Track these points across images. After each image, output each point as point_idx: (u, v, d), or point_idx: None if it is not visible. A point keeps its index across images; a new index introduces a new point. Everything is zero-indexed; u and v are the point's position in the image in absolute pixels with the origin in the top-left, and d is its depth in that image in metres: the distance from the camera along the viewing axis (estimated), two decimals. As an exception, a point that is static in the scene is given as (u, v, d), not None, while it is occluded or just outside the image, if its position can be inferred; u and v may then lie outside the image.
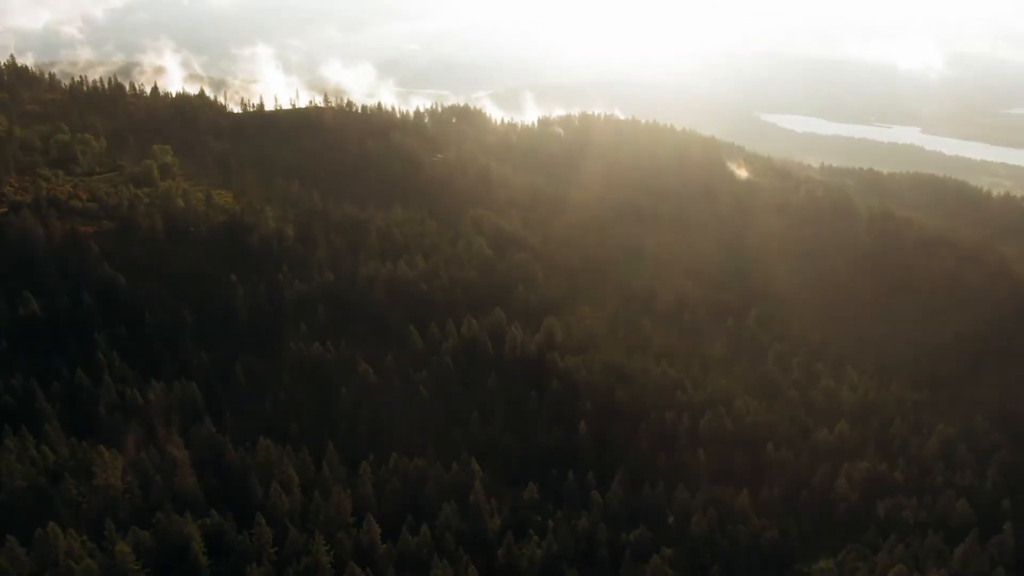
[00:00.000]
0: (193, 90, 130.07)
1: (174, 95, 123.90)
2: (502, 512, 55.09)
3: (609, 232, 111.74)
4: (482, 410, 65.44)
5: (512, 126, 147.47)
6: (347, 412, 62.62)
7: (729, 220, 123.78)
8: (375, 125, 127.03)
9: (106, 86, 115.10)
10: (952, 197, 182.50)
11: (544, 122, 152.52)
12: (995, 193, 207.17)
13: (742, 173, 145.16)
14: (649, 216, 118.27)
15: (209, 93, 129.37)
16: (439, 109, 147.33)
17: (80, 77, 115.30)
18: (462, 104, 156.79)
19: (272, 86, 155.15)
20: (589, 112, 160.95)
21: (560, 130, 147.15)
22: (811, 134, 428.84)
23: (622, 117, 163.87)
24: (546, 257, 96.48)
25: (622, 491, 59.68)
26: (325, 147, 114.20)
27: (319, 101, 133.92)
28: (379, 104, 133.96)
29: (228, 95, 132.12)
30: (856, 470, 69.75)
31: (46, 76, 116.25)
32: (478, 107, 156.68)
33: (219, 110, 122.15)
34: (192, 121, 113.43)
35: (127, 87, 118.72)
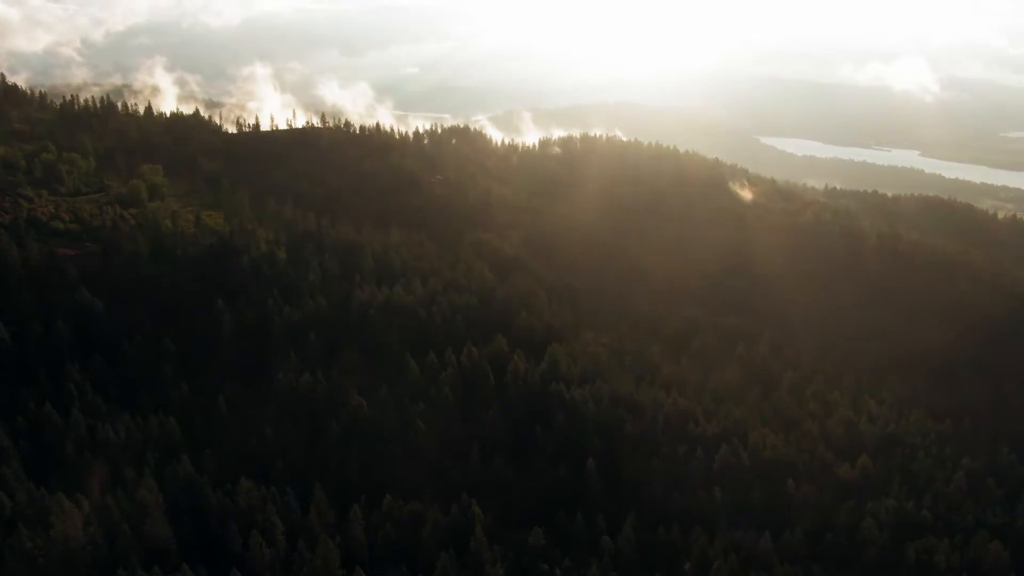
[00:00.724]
0: (189, 110, 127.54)
1: (168, 115, 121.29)
2: (506, 560, 50.61)
3: (613, 255, 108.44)
4: (483, 446, 61.17)
5: (513, 147, 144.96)
6: (337, 448, 58.32)
7: (736, 243, 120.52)
8: (373, 146, 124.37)
9: (98, 105, 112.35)
10: (959, 220, 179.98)
11: (545, 143, 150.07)
12: (1000, 216, 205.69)
13: (747, 195, 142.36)
14: (654, 239, 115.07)
15: (205, 113, 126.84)
16: (438, 130, 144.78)
17: (71, 96, 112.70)
18: (462, 126, 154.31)
19: (269, 106, 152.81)
20: (590, 133, 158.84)
21: (562, 151, 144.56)
22: (810, 157, 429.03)
23: (624, 139, 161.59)
24: (549, 281, 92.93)
25: (634, 534, 55.26)
26: (321, 168, 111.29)
27: (316, 122, 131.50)
28: (377, 124, 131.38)
29: (224, 115, 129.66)
30: (882, 508, 65.43)
31: (37, 95, 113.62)
32: (478, 128, 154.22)
33: (213, 130, 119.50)
34: (185, 141, 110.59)
35: (120, 107, 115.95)
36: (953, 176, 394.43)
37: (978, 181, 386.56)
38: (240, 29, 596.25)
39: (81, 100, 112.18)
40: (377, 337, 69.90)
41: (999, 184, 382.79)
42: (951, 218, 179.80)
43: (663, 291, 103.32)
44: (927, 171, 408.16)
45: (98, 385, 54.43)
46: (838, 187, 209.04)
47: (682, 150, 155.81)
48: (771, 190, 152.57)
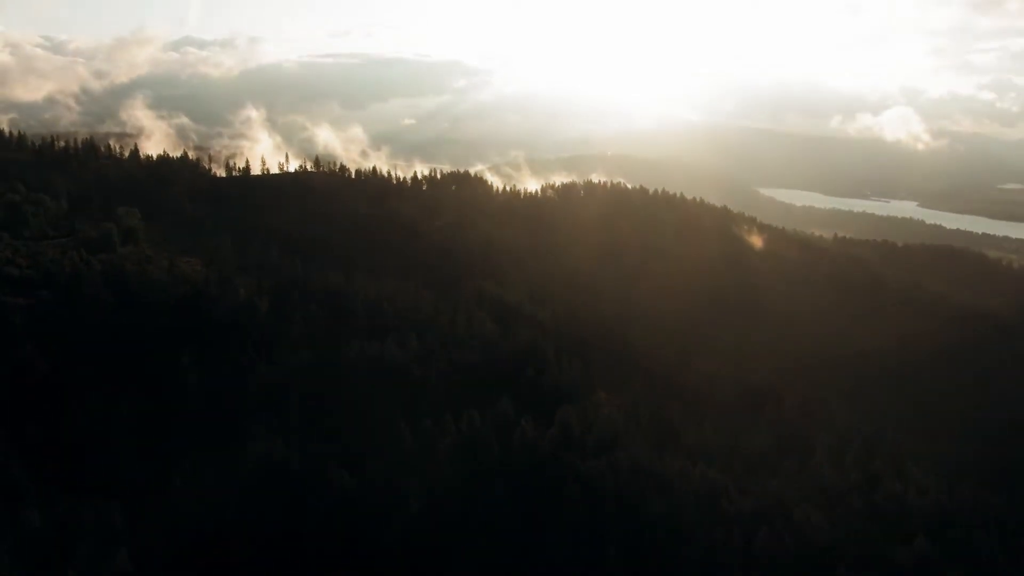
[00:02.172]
0: (177, 154, 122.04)
1: (154, 157, 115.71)
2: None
3: (624, 305, 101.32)
4: (487, 528, 52.32)
5: (515, 193, 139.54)
6: (316, 531, 49.46)
7: (752, 293, 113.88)
8: (368, 191, 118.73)
9: (79, 147, 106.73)
10: (973, 270, 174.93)
11: (548, 190, 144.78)
12: (1009, 266, 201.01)
13: (759, 243, 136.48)
14: (665, 288, 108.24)
15: (193, 156, 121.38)
16: (437, 176, 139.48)
17: (51, 137, 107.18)
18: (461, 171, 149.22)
19: (262, 150, 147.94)
20: (594, 181, 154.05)
21: (565, 197, 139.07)
22: (809, 208, 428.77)
23: (628, 186, 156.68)
24: (557, 334, 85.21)
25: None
26: (313, 213, 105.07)
27: (310, 167, 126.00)
28: (374, 168, 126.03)
29: (214, 159, 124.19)
30: (949, 600, 56.39)
31: (15, 135, 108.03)
32: (479, 175, 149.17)
33: (201, 173, 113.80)
34: (170, 184, 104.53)
35: (103, 149, 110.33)
36: (954, 227, 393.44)
37: (979, 232, 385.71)
38: (240, 80, 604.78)
39: (61, 142, 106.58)
40: (366, 398, 61.58)
41: (1000, 235, 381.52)
42: (965, 268, 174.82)
43: (679, 343, 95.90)
44: (927, 222, 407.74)
45: (30, 460, 45.91)
46: (846, 236, 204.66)
47: (690, 198, 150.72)
48: (782, 238, 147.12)
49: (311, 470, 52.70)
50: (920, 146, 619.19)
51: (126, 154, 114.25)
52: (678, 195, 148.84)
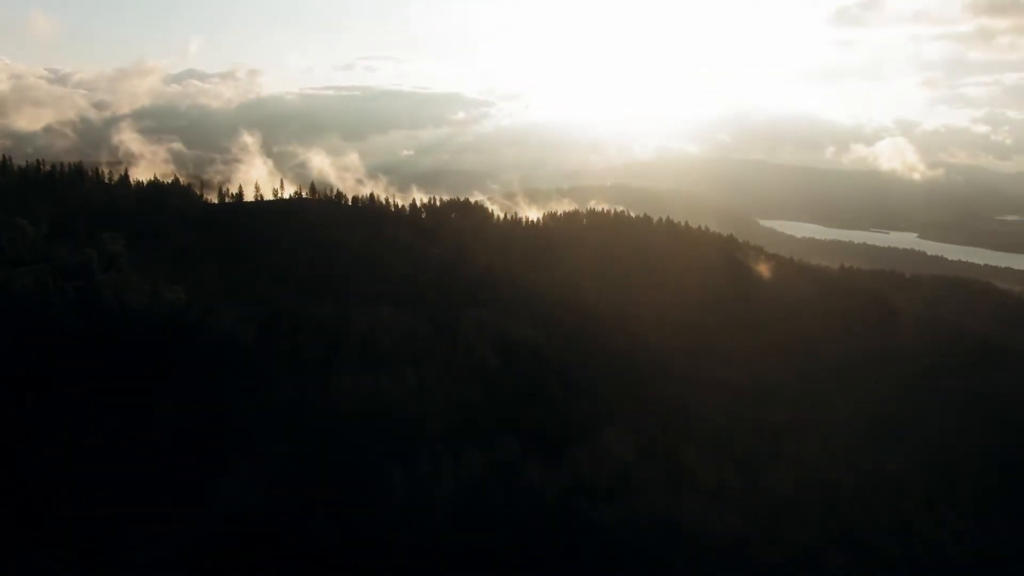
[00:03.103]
0: (168, 179, 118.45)
1: (144, 183, 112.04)
2: None
3: (631, 337, 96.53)
4: (490, 587, 46.80)
5: (516, 221, 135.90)
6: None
7: (764, 324, 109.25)
8: (365, 217, 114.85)
9: (66, 171, 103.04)
10: (983, 300, 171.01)
11: (550, 218, 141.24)
12: (1020, 297, 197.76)
13: (767, 273, 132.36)
14: (674, 318, 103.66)
15: (186, 182, 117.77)
16: (437, 203, 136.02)
17: (37, 161, 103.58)
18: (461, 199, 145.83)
19: (256, 176, 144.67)
20: (597, 209, 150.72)
21: (568, 225, 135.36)
22: (810, 239, 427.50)
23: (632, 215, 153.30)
24: (563, 367, 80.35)
25: None
26: (307, 239, 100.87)
27: (306, 194, 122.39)
28: (371, 195, 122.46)
29: (206, 184, 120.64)
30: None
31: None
32: (479, 202, 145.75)
33: (192, 199, 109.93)
34: (159, 209, 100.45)
35: (91, 173, 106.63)
36: (955, 258, 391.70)
37: (981, 263, 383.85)
38: (239, 111, 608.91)
39: (47, 165, 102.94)
40: (356, 437, 56.42)
41: (1003, 266, 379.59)
42: (977, 299, 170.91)
43: (688, 376, 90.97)
44: (929, 253, 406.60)
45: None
46: (853, 266, 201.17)
47: (695, 227, 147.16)
48: (790, 268, 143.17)
49: (291, 522, 47.38)
50: (917, 176, 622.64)
51: (115, 179, 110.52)
52: (683, 223, 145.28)
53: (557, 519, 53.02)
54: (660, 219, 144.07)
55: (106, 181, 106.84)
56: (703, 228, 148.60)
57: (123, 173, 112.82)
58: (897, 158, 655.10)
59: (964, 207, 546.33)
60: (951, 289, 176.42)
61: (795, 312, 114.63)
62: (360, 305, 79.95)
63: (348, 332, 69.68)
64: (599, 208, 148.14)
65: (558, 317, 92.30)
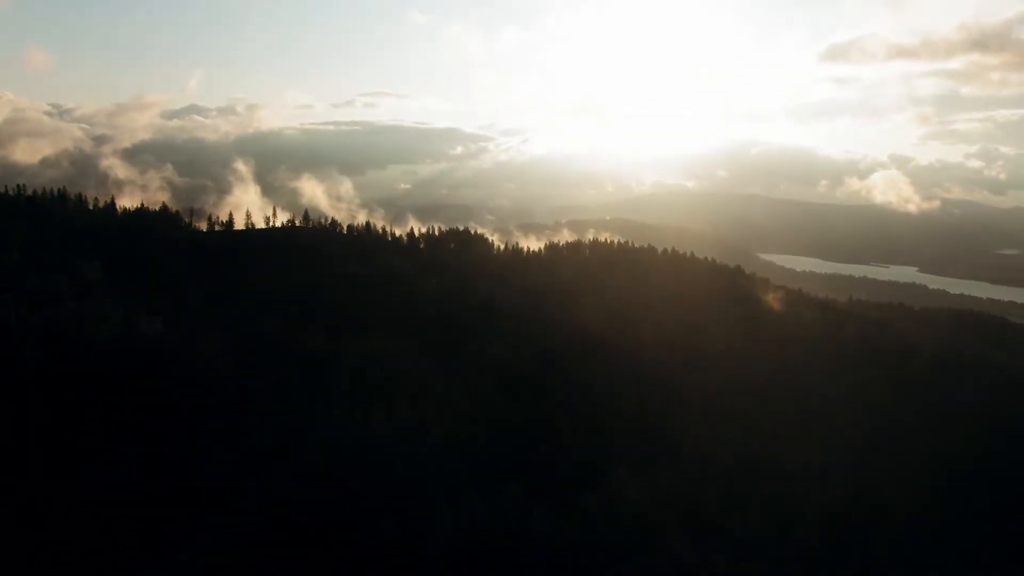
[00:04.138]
0: (156, 206, 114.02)
1: (131, 209, 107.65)
2: None
3: (638, 370, 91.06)
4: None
5: (517, 251, 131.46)
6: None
7: (778, 357, 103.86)
8: (361, 246, 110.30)
9: (46, 196, 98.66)
10: (999, 334, 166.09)
11: (553, 248, 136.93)
12: None
13: (778, 305, 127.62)
14: (687, 353, 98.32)
15: (175, 209, 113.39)
16: (435, 232, 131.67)
17: (18, 185, 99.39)
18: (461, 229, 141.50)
19: (248, 203, 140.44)
20: (600, 240, 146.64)
21: (571, 256, 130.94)
22: (810, 272, 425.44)
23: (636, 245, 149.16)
24: (570, 403, 74.80)
25: None
26: (298, 268, 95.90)
27: (299, 222, 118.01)
28: (367, 223, 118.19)
29: (196, 212, 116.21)
30: None
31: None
32: (479, 233, 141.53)
33: (180, 226, 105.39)
34: (144, 236, 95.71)
35: (74, 198, 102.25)
36: (958, 292, 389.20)
37: (984, 297, 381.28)
38: (236, 145, 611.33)
39: (28, 190, 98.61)
40: (344, 483, 50.52)
41: (1006, 300, 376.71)
42: (991, 332, 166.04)
43: (700, 413, 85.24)
44: (931, 287, 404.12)
45: None
46: (861, 299, 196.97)
47: (701, 258, 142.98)
48: (800, 301, 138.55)
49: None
50: (913, 209, 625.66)
51: (101, 206, 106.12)
52: (688, 254, 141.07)
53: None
54: (665, 249, 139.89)
55: (90, 208, 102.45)
56: (709, 259, 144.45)
57: (109, 200, 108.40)
58: (891, 191, 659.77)
59: (962, 241, 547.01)
60: (963, 322, 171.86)
61: (810, 346, 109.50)
62: (353, 337, 74.76)
63: (339, 365, 64.30)
64: (602, 238, 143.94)
65: (563, 350, 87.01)
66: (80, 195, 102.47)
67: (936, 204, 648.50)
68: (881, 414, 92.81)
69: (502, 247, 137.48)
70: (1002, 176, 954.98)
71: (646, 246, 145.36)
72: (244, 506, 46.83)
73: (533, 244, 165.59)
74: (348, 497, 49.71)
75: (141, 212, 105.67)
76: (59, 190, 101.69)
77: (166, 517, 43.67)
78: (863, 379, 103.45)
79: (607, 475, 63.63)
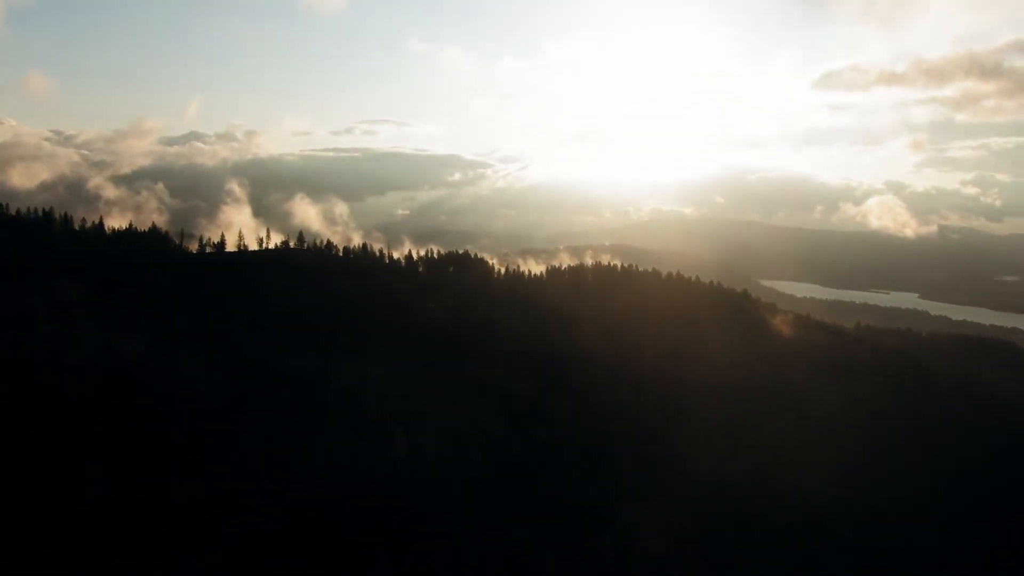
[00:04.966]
0: (146, 227, 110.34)
1: (120, 229, 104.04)
2: None
3: (646, 395, 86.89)
4: None
5: (519, 275, 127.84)
6: None
7: (788, 382, 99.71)
8: (357, 268, 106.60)
9: (30, 215, 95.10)
10: (1012, 360, 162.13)
11: (554, 272, 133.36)
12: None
13: (789, 330, 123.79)
14: (696, 380, 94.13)
15: (165, 230, 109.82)
16: (434, 255, 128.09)
17: (1, 204, 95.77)
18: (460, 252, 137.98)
19: (241, 225, 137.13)
20: (602, 263, 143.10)
21: (573, 279, 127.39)
22: (811, 299, 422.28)
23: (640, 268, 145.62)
24: (576, 433, 70.54)
25: None
26: (291, 290, 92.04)
27: (293, 244, 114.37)
28: (364, 245, 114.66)
29: (187, 233, 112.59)
30: None
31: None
32: (479, 255, 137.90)
33: (170, 247, 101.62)
34: (130, 256, 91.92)
35: (60, 217, 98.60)
36: (960, 318, 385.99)
37: (987, 323, 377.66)
38: (235, 171, 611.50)
39: (11, 210, 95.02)
40: (337, 519, 46.11)
41: (1009, 326, 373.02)
42: (1004, 359, 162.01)
43: (712, 441, 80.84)
44: (932, 313, 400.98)
45: None
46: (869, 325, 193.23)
47: (707, 281, 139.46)
48: (809, 326, 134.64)
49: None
50: (910, 234, 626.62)
51: (88, 226, 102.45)
52: (694, 279, 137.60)
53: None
54: (670, 273, 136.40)
55: (76, 228, 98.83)
56: (715, 283, 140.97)
57: (97, 221, 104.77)
58: (887, 216, 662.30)
59: (961, 268, 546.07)
60: (971, 348, 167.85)
61: (824, 371, 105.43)
62: (346, 360, 70.71)
63: (330, 391, 60.16)
64: (606, 262, 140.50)
65: (568, 377, 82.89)
66: (66, 215, 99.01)
67: (933, 230, 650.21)
68: (903, 445, 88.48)
69: (502, 270, 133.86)
70: (998, 203, 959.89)
71: (651, 269, 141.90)
72: (223, 544, 42.36)
73: (534, 268, 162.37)
74: (338, 534, 45.29)
75: (129, 233, 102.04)
76: (44, 210, 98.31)
77: (134, 557, 39.20)
78: (877, 406, 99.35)
79: (617, 511, 59.32)
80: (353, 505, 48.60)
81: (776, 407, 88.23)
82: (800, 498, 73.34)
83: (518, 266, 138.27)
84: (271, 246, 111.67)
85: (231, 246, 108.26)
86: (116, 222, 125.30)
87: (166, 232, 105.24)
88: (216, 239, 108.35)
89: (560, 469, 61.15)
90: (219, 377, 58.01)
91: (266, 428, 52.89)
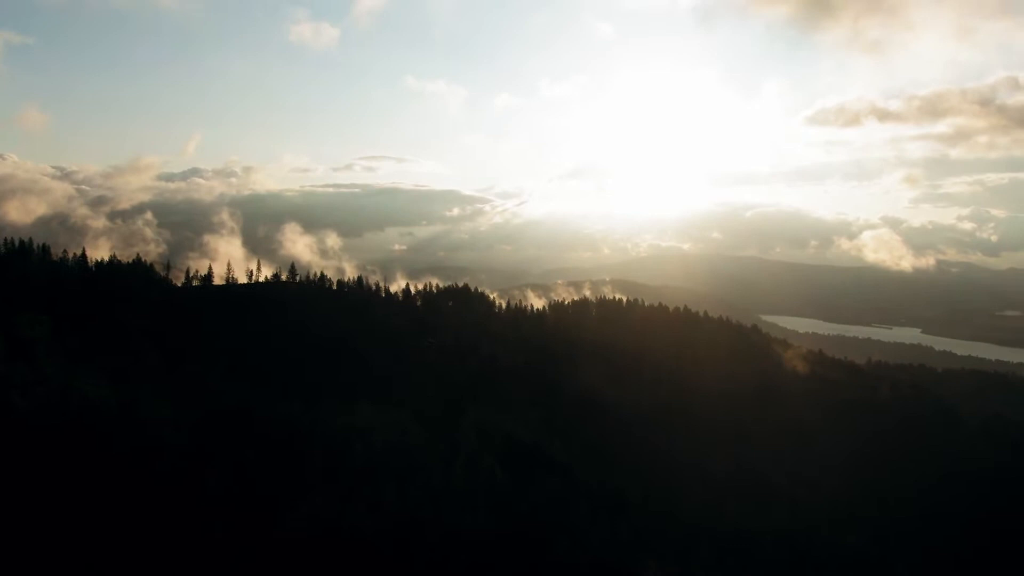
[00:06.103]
0: (130, 259, 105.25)
1: (100, 262, 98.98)
2: None
3: (664, 442, 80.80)
4: None
5: (521, 310, 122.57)
6: None
7: (812, 426, 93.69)
8: (351, 303, 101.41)
9: (12, 246, 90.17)
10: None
11: (557, 308, 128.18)
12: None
13: (803, 367, 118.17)
14: (707, 422, 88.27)
15: (149, 262, 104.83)
16: (432, 290, 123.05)
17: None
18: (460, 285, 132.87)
19: (231, 257, 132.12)
20: (607, 297, 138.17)
21: (577, 315, 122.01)
22: (813, 334, 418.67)
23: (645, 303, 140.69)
24: (586, 481, 64.31)
25: None
26: (278, 327, 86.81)
27: (284, 277, 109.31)
28: (359, 279, 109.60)
29: (173, 266, 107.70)
30: None
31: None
32: (480, 290, 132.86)
33: (154, 281, 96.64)
34: (109, 290, 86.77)
35: (37, 249, 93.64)
36: (964, 353, 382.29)
37: (992, 358, 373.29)
38: (232, 206, 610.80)
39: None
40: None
41: (1015, 361, 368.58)
42: (1013, 392, 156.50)
43: (736, 493, 74.57)
44: (936, 348, 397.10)
45: None
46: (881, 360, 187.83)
47: (716, 316, 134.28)
48: (822, 362, 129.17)
49: None
50: (908, 268, 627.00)
51: (69, 258, 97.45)
52: (702, 313, 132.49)
53: None
54: (677, 308, 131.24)
55: (54, 259, 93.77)
56: (724, 318, 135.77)
57: (80, 253, 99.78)
58: (883, 249, 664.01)
59: (962, 302, 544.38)
60: (989, 385, 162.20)
61: (841, 410, 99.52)
62: (334, 406, 64.77)
63: (313, 438, 54.12)
64: (609, 296, 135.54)
65: (576, 419, 76.91)
66: (44, 246, 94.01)
67: (931, 263, 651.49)
68: (926, 486, 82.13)
69: (504, 305, 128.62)
70: (994, 238, 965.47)
71: (658, 304, 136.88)
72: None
73: (536, 303, 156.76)
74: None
75: (111, 265, 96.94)
76: (21, 241, 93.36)
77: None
78: (905, 448, 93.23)
79: (634, 569, 52.76)
80: (337, 572, 42.30)
81: (803, 456, 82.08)
82: (842, 552, 66.80)
83: (520, 301, 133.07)
84: (262, 279, 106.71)
85: (219, 279, 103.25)
86: (102, 254, 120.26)
87: (150, 264, 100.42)
88: (201, 270, 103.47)
89: (569, 521, 54.86)
90: (188, 425, 52.05)
91: (237, 482, 46.70)
